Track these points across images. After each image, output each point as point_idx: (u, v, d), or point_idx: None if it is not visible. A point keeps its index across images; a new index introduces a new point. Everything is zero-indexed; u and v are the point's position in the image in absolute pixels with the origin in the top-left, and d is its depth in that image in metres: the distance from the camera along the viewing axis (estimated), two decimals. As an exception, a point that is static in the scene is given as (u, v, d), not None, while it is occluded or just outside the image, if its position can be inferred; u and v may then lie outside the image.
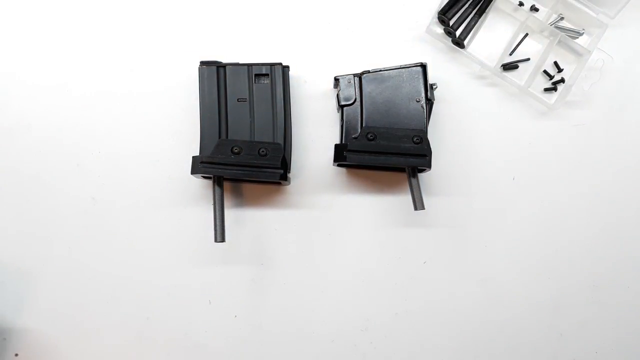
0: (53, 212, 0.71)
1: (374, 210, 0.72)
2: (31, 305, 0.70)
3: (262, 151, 0.65)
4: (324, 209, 0.72)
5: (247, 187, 0.72)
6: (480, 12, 0.74)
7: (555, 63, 0.75)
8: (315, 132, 0.72)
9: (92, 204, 0.71)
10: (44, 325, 0.69)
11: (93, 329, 0.70)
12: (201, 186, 0.71)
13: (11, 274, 0.70)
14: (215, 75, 0.69)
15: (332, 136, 0.72)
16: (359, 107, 0.70)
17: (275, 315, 0.71)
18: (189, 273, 0.71)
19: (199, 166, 0.65)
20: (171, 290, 0.70)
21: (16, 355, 0.69)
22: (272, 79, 0.69)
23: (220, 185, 0.66)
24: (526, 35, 0.75)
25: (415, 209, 0.66)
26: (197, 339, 0.70)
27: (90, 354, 0.69)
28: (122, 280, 0.70)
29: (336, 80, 0.71)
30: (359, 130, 0.69)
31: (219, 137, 0.68)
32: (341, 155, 0.67)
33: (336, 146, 0.69)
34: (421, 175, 0.70)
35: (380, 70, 0.70)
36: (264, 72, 0.69)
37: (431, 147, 0.66)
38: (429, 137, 0.68)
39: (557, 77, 0.74)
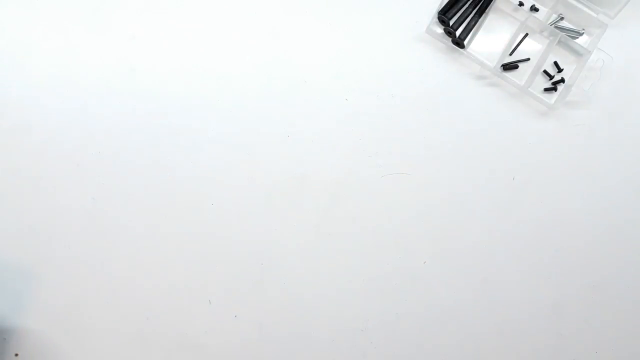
0: (53, 212, 0.71)
1: (374, 210, 0.72)
2: (31, 305, 0.70)
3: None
4: (324, 208, 0.72)
5: (247, 190, 0.72)
6: (480, 12, 0.74)
7: (555, 63, 0.75)
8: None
9: (92, 204, 0.71)
10: (44, 325, 0.69)
11: (93, 329, 0.70)
12: (200, 187, 0.71)
13: (11, 274, 0.70)
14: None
15: (332, 137, 0.72)
16: None
17: (275, 315, 0.71)
18: (189, 273, 0.71)
19: None
20: (171, 290, 0.70)
21: (16, 355, 0.69)
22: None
23: None
24: (526, 35, 0.75)
25: None
26: (197, 339, 0.70)
27: (90, 354, 0.69)
28: (122, 280, 0.70)
29: None
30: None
31: None
32: None
33: None
34: (421, 176, 0.70)
35: None
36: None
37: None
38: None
39: (557, 77, 0.74)
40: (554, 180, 0.73)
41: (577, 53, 0.74)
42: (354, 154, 0.72)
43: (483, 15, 0.74)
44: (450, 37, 0.74)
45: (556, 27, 0.74)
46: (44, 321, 0.70)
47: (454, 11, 0.73)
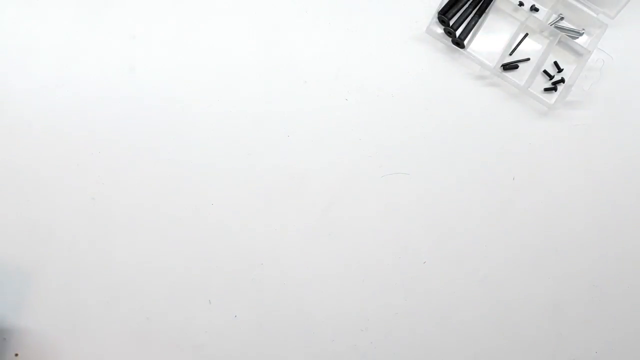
0: (53, 212, 0.71)
1: (374, 210, 0.72)
2: (31, 305, 0.70)
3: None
4: (324, 209, 0.72)
5: (247, 190, 0.72)
6: (480, 12, 0.74)
7: (555, 63, 0.75)
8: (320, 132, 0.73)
9: (92, 204, 0.71)
10: (44, 325, 0.69)
11: (93, 329, 0.70)
12: (200, 187, 0.71)
13: (11, 274, 0.70)
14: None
15: (332, 137, 0.72)
16: None
17: (275, 315, 0.71)
18: (189, 273, 0.71)
19: None
20: (171, 290, 0.70)
21: (16, 355, 0.69)
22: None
23: None
24: (526, 35, 0.75)
25: None
26: (197, 339, 0.70)
27: (90, 354, 0.70)
28: (122, 280, 0.70)
29: None
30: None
31: None
32: None
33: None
34: (421, 176, 0.70)
35: None
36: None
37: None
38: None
39: (557, 77, 0.74)
40: (554, 180, 0.73)
41: (577, 53, 0.74)
42: (354, 154, 0.72)
43: (483, 15, 0.74)
44: (450, 37, 0.74)
45: (556, 27, 0.74)
46: (44, 321, 0.70)
47: (454, 11, 0.73)
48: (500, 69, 0.73)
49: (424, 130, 0.73)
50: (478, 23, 0.74)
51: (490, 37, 0.75)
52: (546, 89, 0.74)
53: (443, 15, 0.73)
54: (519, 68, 0.74)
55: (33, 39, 0.74)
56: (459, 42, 0.73)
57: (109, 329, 0.70)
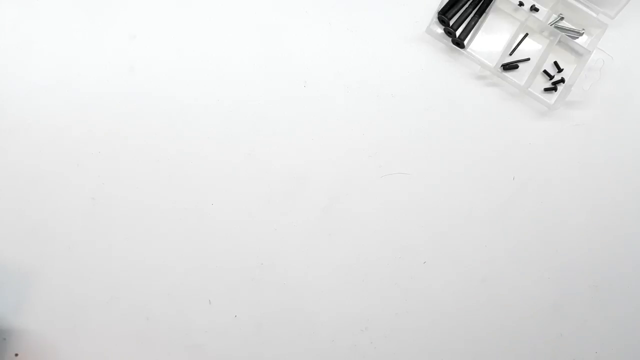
0: (53, 212, 0.71)
1: (374, 210, 0.72)
2: (31, 305, 0.70)
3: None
4: (324, 209, 0.72)
5: (247, 190, 0.72)
6: (480, 12, 0.74)
7: (555, 63, 0.75)
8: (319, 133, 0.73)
9: (92, 204, 0.71)
10: (44, 325, 0.69)
11: (93, 329, 0.70)
12: (200, 187, 0.71)
13: (11, 274, 0.70)
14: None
15: (332, 137, 0.72)
16: None
17: (275, 315, 0.71)
18: (189, 273, 0.71)
19: None
20: (171, 290, 0.70)
21: (16, 355, 0.69)
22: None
23: None
24: (526, 35, 0.75)
25: None
26: (197, 339, 0.70)
27: (90, 354, 0.70)
28: (122, 280, 0.70)
29: None
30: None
31: None
32: None
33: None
34: (421, 176, 0.70)
35: None
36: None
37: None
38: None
39: (557, 77, 0.74)
40: (554, 180, 0.73)
41: (577, 53, 0.74)
42: (354, 154, 0.73)
43: (483, 15, 0.74)
44: (450, 37, 0.74)
45: (556, 27, 0.74)
46: (44, 321, 0.70)
47: (454, 11, 0.73)
48: (500, 69, 0.73)
49: (424, 130, 0.73)
50: (478, 23, 0.74)
51: (490, 37, 0.75)
52: (546, 89, 0.74)
53: (443, 15, 0.73)
54: (519, 68, 0.74)
55: (33, 39, 0.74)
56: (459, 42, 0.73)
57: (109, 329, 0.70)
